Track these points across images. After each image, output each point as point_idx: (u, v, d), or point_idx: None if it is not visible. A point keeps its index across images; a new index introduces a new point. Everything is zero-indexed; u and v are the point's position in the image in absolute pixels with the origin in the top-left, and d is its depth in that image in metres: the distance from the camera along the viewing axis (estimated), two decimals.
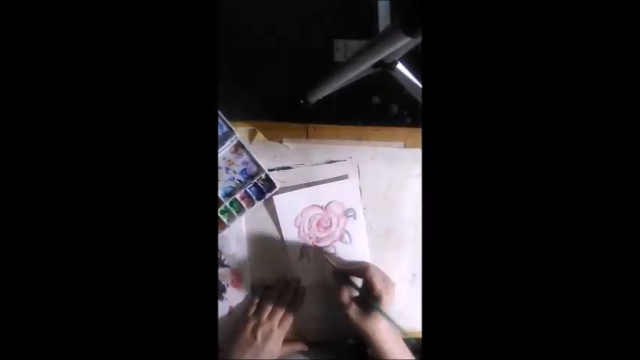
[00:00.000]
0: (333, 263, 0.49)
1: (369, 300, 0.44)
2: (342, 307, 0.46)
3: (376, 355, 0.45)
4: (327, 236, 0.52)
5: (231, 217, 0.50)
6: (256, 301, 0.49)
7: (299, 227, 0.52)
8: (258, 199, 0.50)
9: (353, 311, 0.45)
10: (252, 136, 0.52)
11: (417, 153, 0.54)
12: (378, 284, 0.44)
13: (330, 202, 0.52)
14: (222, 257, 0.51)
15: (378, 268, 0.47)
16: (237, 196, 0.50)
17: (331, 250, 0.52)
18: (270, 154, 0.52)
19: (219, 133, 0.49)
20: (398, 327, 0.43)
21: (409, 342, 0.48)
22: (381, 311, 0.43)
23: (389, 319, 0.43)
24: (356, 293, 0.47)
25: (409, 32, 0.37)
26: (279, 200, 0.51)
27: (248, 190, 0.50)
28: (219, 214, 0.49)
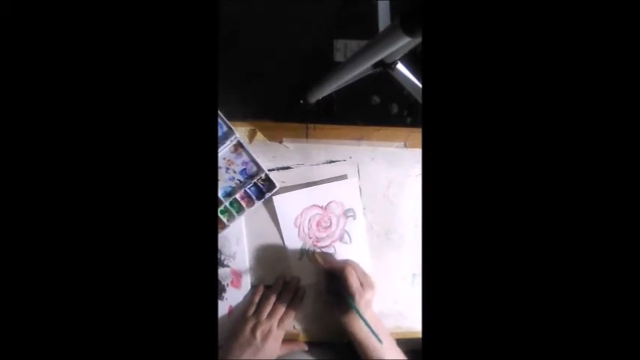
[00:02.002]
0: (321, 261, 0.49)
1: (347, 298, 0.44)
2: (326, 304, 0.46)
3: (361, 353, 0.45)
4: (327, 236, 0.52)
5: (231, 217, 0.50)
6: (256, 300, 0.49)
7: (299, 227, 0.52)
8: (258, 199, 0.50)
9: (334, 308, 0.46)
10: (252, 136, 0.52)
11: (417, 153, 0.54)
12: (354, 284, 0.44)
13: (330, 202, 0.52)
14: (222, 257, 0.51)
15: (357, 268, 0.47)
16: (237, 196, 0.50)
17: (331, 251, 0.52)
18: (269, 154, 0.52)
19: (219, 133, 0.49)
20: (373, 332, 0.42)
21: (404, 342, 0.48)
22: (356, 310, 0.43)
23: (364, 321, 0.42)
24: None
25: (409, 32, 0.37)
26: (279, 200, 0.51)
27: (248, 190, 0.50)
28: (219, 214, 0.49)
